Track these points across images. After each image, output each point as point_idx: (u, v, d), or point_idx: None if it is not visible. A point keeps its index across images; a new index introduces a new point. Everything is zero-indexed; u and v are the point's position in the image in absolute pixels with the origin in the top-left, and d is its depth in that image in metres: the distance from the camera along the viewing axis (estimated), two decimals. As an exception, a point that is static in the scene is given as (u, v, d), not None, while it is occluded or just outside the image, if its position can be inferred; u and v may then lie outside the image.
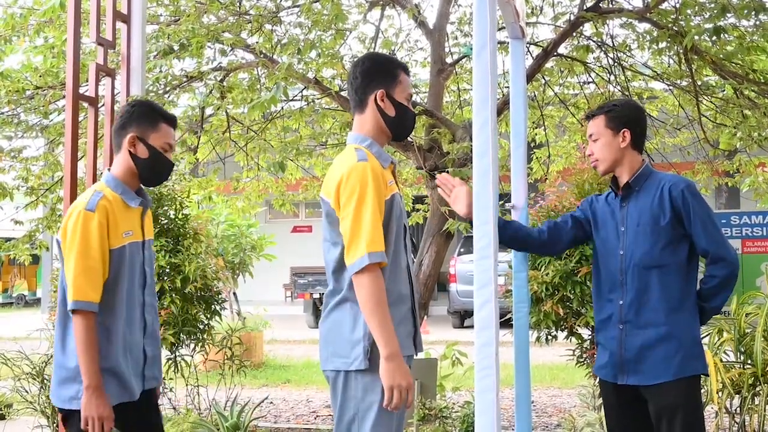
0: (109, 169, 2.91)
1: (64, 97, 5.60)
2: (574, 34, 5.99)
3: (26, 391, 5.21)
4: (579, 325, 4.74)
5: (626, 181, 2.99)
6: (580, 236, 3.17)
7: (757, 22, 5.38)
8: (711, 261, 2.87)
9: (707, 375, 3.01)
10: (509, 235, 3.13)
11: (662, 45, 5.73)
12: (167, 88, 6.11)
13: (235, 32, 5.48)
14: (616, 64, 6.48)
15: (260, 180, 8.02)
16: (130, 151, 2.83)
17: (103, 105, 5.48)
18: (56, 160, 6.85)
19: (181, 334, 5.49)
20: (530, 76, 5.80)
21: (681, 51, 5.58)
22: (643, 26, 5.95)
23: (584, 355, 4.92)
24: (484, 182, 2.37)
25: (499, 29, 5.30)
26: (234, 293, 10.82)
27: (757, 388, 4.43)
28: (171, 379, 5.61)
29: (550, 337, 4.92)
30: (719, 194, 14.77)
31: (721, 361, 4.53)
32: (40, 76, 6.40)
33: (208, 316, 5.70)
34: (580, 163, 5.21)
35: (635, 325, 2.89)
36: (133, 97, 5.23)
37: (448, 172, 5.33)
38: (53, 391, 2.79)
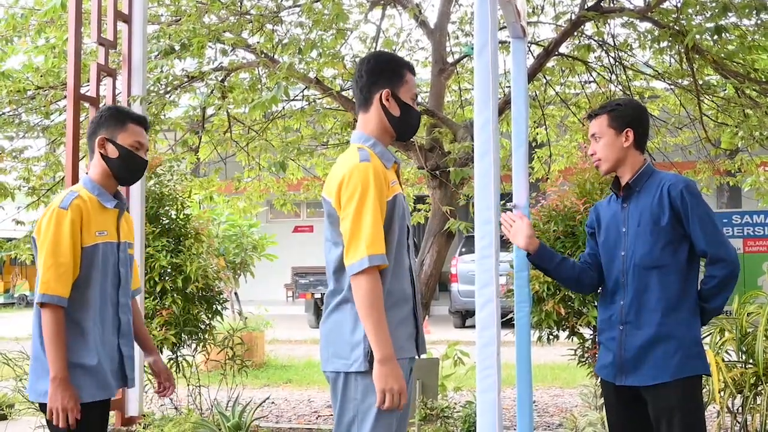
0: (87, 173, 2.99)
1: (65, 97, 5.60)
2: (576, 33, 5.98)
3: (28, 392, 5.20)
4: (580, 325, 4.74)
5: (627, 181, 2.99)
6: None
7: (759, 21, 5.37)
8: (710, 261, 2.86)
9: (709, 375, 3.00)
10: (567, 274, 3.16)
11: (663, 44, 5.73)
12: (168, 88, 6.11)
13: (236, 32, 5.48)
14: (617, 63, 6.48)
15: (261, 180, 8.02)
16: (101, 153, 2.92)
17: (104, 105, 5.48)
18: (57, 161, 6.86)
19: (183, 334, 5.50)
20: (531, 76, 5.80)
21: (682, 50, 5.57)
22: (644, 25, 5.94)
23: (586, 355, 4.92)
24: (485, 182, 2.37)
25: (501, 29, 5.29)
26: (235, 293, 10.82)
27: (759, 388, 4.43)
28: (172, 379, 5.61)
29: (551, 337, 4.93)
30: (721, 194, 14.76)
31: (723, 360, 4.53)
32: (42, 76, 6.40)
33: (210, 316, 5.70)
34: (582, 163, 5.21)
35: (634, 326, 2.89)
36: (134, 97, 5.24)
37: (448, 171, 5.33)
38: (30, 385, 2.85)
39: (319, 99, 6.36)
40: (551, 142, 7.72)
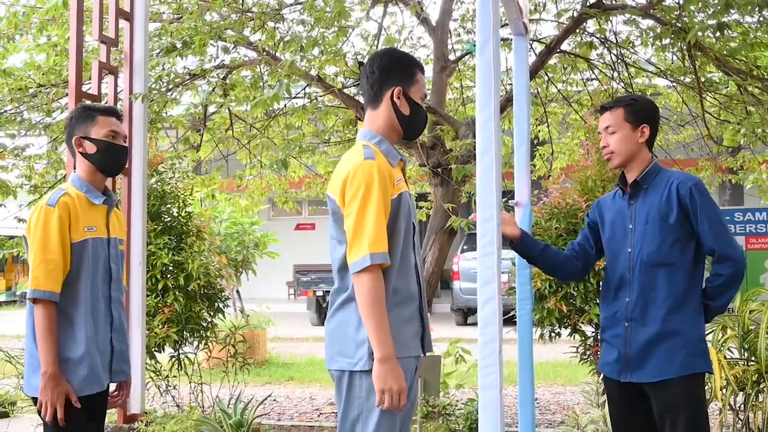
0: (75, 171, 3.03)
1: (67, 95, 5.60)
2: (578, 30, 5.97)
3: (30, 389, 5.21)
4: (582, 322, 4.74)
5: (635, 178, 2.98)
6: (600, 245, 3.17)
7: (761, 18, 5.36)
8: (717, 260, 2.86)
9: (711, 373, 3.01)
10: (551, 261, 3.17)
11: (666, 41, 5.72)
12: (170, 86, 6.11)
13: (238, 30, 5.48)
14: (619, 60, 6.47)
15: (263, 178, 8.02)
16: (80, 152, 2.97)
17: (105, 103, 5.49)
18: (59, 158, 6.86)
19: (185, 332, 5.50)
20: (533, 73, 5.79)
21: (684, 47, 5.56)
22: (646, 23, 5.94)
23: (588, 353, 4.92)
24: (487, 179, 2.36)
25: (502, 26, 5.30)
26: (237, 291, 10.82)
27: (761, 385, 4.42)
28: (175, 376, 5.62)
29: (553, 335, 4.92)
30: (723, 191, 14.74)
31: (725, 358, 4.52)
32: (43, 74, 6.41)
33: (212, 313, 5.71)
34: (584, 160, 5.20)
35: (640, 323, 2.89)
36: (135, 95, 5.24)
37: (450, 169, 5.33)
38: (25, 380, 2.89)
39: (320, 96, 6.35)
40: (553, 140, 7.71)
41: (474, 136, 3.78)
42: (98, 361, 2.89)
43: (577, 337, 4.92)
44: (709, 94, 6.43)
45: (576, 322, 4.74)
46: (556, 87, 7.10)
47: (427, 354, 2.69)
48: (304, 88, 6.46)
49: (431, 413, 5.11)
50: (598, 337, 3.19)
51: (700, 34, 4.91)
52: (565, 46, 6.15)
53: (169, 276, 5.50)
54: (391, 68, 2.65)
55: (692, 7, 5.26)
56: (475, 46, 2.42)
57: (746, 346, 4.59)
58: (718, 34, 4.86)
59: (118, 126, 3.02)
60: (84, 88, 5.19)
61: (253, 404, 5.27)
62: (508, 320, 3.44)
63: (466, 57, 6.96)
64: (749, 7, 4.79)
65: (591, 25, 6.21)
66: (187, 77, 6.05)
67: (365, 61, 2.85)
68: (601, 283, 4.71)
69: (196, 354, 5.72)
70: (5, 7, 6.39)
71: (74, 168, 3.05)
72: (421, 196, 8.03)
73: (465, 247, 14.47)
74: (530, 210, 3.50)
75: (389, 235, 2.49)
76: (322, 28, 5.23)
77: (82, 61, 5.11)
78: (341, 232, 2.55)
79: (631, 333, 2.90)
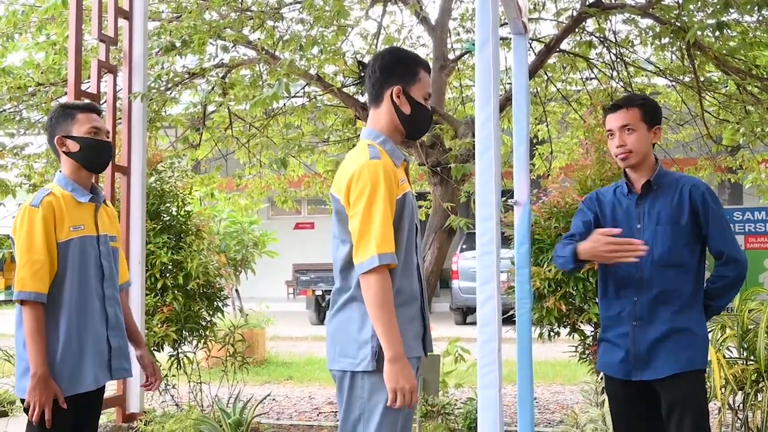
0: (60, 170, 3.03)
1: (66, 93, 5.60)
2: (577, 29, 5.97)
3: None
4: (581, 322, 4.74)
5: (646, 178, 2.98)
6: None
7: (761, 18, 5.36)
8: (724, 262, 2.92)
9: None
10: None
11: (665, 41, 5.72)
12: (169, 85, 6.11)
13: (237, 29, 5.47)
14: (618, 60, 6.47)
15: (262, 177, 8.01)
16: (64, 152, 2.96)
17: (105, 102, 5.48)
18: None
19: (184, 331, 5.51)
20: (533, 72, 5.79)
21: (684, 47, 5.56)
22: (645, 22, 5.94)
23: (587, 352, 4.92)
24: (486, 178, 2.36)
25: (502, 25, 5.30)
26: (236, 290, 10.82)
27: (760, 384, 4.43)
28: (174, 375, 5.62)
29: (552, 334, 4.92)
30: (722, 190, 14.74)
31: (724, 357, 4.53)
32: (42, 73, 6.40)
33: (211, 312, 5.71)
34: (583, 159, 5.20)
35: (649, 322, 2.90)
36: (135, 94, 5.23)
37: (449, 168, 5.32)
38: (16, 382, 2.89)
39: (320, 96, 6.35)
40: (552, 139, 7.71)
41: (473, 135, 3.78)
42: (87, 361, 2.88)
43: (576, 336, 4.92)
44: (709, 94, 6.43)
45: (575, 321, 4.75)
46: (556, 86, 7.10)
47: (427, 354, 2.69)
48: (304, 87, 6.45)
49: (430, 412, 5.11)
50: (598, 336, 3.17)
51: (699, 33, 4.91)
52: (564, 46, 6.15)
53: (168, 275, 5.50)
54: (391, 67, 2.64)
55: (691, 7, 5.25)
56: (474, 45, 2.42)
57: (745, 346, 4.59)
58: (717, 33, 4.86)
59: (98, 122, 3.01)
60: (83, 87, 5.19)
61: (252, 403, 5.27)
62: (507, 319, 3.44)
63: (466, 56, 6.95)
64: (748, 7, 4.79)
65: (590, 24, 6.20)
66: (186, 76, 6.05)
67: (368, 60, 2.85)
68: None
69: (195, 353, 5.72)
70: (4, 6, 6.38)
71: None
72: (420, 196, 8.01)
73: (464, 247, 14.47)
74: (529, 209, 3.50)
75: (393, 235, 2.49)
76: (322, 27, 5.23)
77: (81, 60, 5.11)
78: (344, 232, 2.54)
79: (640, 332, 2.91)
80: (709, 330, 4.61)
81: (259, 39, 5.57)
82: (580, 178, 4.99)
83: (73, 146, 2.95)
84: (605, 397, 4.39)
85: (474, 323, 2.59)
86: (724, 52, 5.62)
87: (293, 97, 6.35)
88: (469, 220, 4.75)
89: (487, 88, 2.38)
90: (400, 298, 2.52)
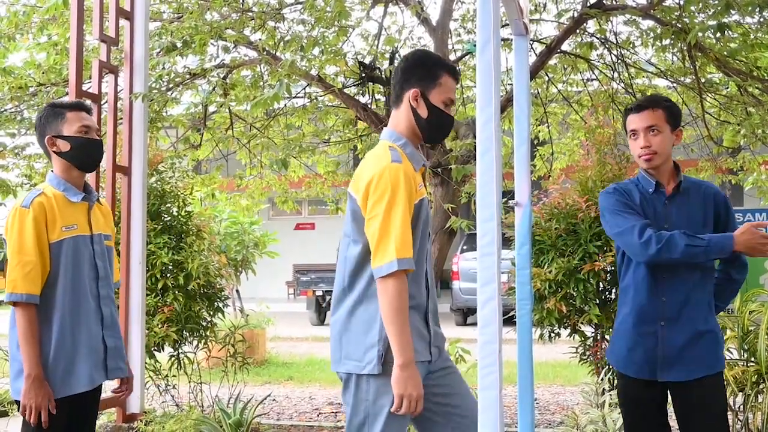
0: (52, 170, 3.01)
1: (67, 94, 5.60)
2: (578, 31, 5.97)
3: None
4: (582, 323, 4.74)
5: (666, 179, 3.00)
6: None
7: (762, 19, 5.36)
8: (738, 265, 3.00)
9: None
10: None
11: (666, 42, 5.72)
12: (170, 85, 6.11)
13: (238, 29, 5.48)
14: (619, 61, 6.47)
15: (263, 177, 8.02)
16: (54, 152, 2.95)
17: (106, 102, 5.49)
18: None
19: (184, 331, 5.51)
20: (534, 73, 5.79)
21: (685, 48, 5.56)
22: (646, 23, 5.94)
23: (587, 353, 4.92)
24: (487, 179, 2.36)
25: (503, 26, 5.30)
26: (237, 290, 10.83)
27: (761, 386, 4.43)
28: (174, 376, 5.62)
29: (553, 335, 4.92)
30: (723, 192, 14.74)
31: (725, 358, 4.53)
32: (43, 73, 6.40)
33: (211, 313, 5.71)
34: (584, 161, 5.20)
35: (677, 323, 2.91)
36: (136, 95, 5.24)
37: (450, 169, 5.32)
38: (10, 383, 2.88)
39: (321, 96, 6.35)
40: (553, 140, 7.71)
41: (474, 136, 3.78)
42: (81, 361, 2.87)
43: (577, 337, 4.92)
44: (709, 95, 6.43)
45: (575, 322, 4.75)
46: (557, 87, 7.10)
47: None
48: (305, 88, 6.46)
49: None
50: (610, 336, 3.15)
51: (700, 34, 4.91)
52: (565, 47, 6.16)
53: (168, 275, 5.50)
54: (412, 69, 2.62)
55: (692, 8, 5.26)
56: (475, 46, 2.42)
57: (746, 347, 4.59)
58: (718, 34, 4.86)
59: (88, 120, 2.99)
60: (84, 87, 5.19)
61: (253, 404, 5.27)
62: (508, 320, 3.44)
63: (467, 57, 6.96)
64: (749, 8, 4.79)
65: (591, 25, 6.20)
66: (188, 77, 6.05)
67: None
68: (600, 283, 4.74)
69: (195, 353, 5.72)
70: (5, 7, 6.39)
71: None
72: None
73: (465, 248, 14.47)
74: (530, 210, 3.50)
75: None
76: (323, 28, 5.23)
77: (83, 60, 5.11)
78: (357, 232, 2.53)
79: (668, 333, 2.91)
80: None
81: (260, 40, 5.57)
82: (581, 179, 4.99)
83: (64, 146, 2.93)
84: (605, 398, 4.39)
85: (474, 324, 2.59)
86: (725, 53, 5.61)
87: (294, 97, 6.36)
88: (470, 221, 4.75)
89: (488, 89, 2.38)
90: (409, 303, 2.50)
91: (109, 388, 3.79)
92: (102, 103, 5.36)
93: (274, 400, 7.28)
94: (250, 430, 5.04)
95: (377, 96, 6.32)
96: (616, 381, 3.14)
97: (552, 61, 6.38)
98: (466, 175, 5.25)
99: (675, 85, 6.70)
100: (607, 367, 4.71)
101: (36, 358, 2.75)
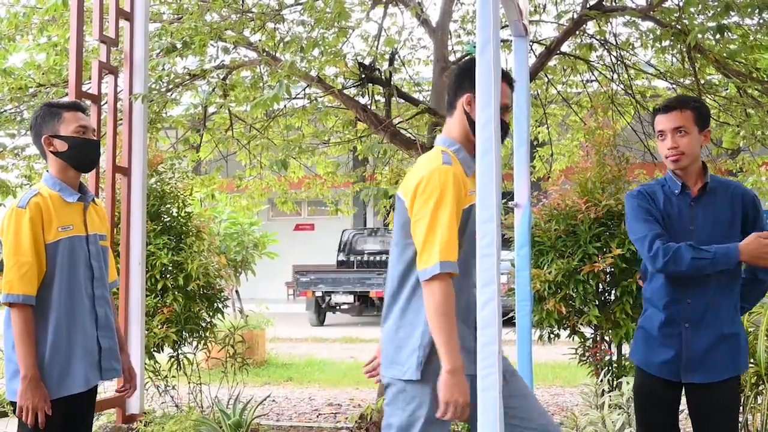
0: (47, 170, 3.00)
1: (67, 94, 5.60)
2: (577, 32, 5.98)
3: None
4: (581, 324, 4.74)
5: (693, 180, 2.99)
6: None
7: (761, 21, 5.36)
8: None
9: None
10: None
11: (665, 43, 5.72)
12: (170, 86, 6.11)
13: (238, 30, 5.48)
14: (619, 62, 6.47)
15: (263, 178, 8.02)
16: (51, 151, 2.93)
17: (105, 102, 5.49)
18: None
19: (184, 332, 5.51)
20: (533, 75, 5.79)
21: (684, 49, 5.56)
22: (646, 24, 5.94)
23: (586, 354, 4.92)
24: (487, 180, 2.36)
25: (503, 27, 5.30)
26: (236, 291, 10.83)
27: (760, 387, 4.42)
28: (174, 376, 5.62)
29: (552, 336, 4.92)
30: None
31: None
32: (43, 74, 6.40)
33: (211, 313, 5.71)
34: (583, 162, 5.20)
35: (702, 325, 2.91)
36: (135, 95, 5.24)
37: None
38: (6, 384, 2.87)
39: (320, 97, 6.35)
40: (553, 141, 7.71)
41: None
42: (76, 362, 2.86)
43: (576, 338, 4.92)
44: (709, 96, 6.43)
45: (575, 323, 4.75)
46: (556, 88, 7.10)
47: None
48: (304, 89, 6.46)
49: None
50: (638, 323, 3.12)
51: (699, 36, 4.91)
52: (564, 48, 6.16)
53: (168, 276, 5.50)
54: (465, 75, 2.61)
55: (692, 9, 5.26)
56: (475, 47, 2.43)
57: (745, 348, 4.59)
58: (717, 36, 4.86)
59: (85, 120, 2.98)
60: (84, 88, 5.19)
61: (252, 404, 5.27)
62: (508, 321, 3.45)
63: (467, 58, 6.95)
64: (749, 10, 4.79)
65: (591, 26, 6.21)
66: (187, 77, 6.05)
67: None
68: (600, 284, 4.74)
69: (195, 354, 5.72)
70: (5, 8, 6.39)
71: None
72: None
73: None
74: (530, 211, 3.51)
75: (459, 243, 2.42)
76: (323, 29, 5.23)
77: (82, 61, 5.11)
78: (405, 236, 2.50)
79: (693, 335, 2.91)
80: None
81: (259, 40, 5.57)
82: (581, 180, 4.99)
83: (61, 145, 2.92)
84: (605, 399, 4.39)
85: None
86: (725, 55, 5.62)
87: (294, 98, 6.36)
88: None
89: (487, 90, 2.39)
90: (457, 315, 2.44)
91: (110, 388, 3.80)
92: (102, 103, 5.37)
93: (273, 400, 7.28)
94: (249, 430, 5.04)
95: (377, 97, 6.32)
96: (634, 376, 3.14)
97: (551, 63, 6.39)
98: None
99: (674, 86, 6.70)
100: (606, 368, 4.72)
101: (32, 359, 2.74)
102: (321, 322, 15.25)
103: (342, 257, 16.66)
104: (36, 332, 2.79)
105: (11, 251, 2.77)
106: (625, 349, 4.74)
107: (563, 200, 4.91)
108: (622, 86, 6.61)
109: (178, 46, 5.30)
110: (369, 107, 6.01)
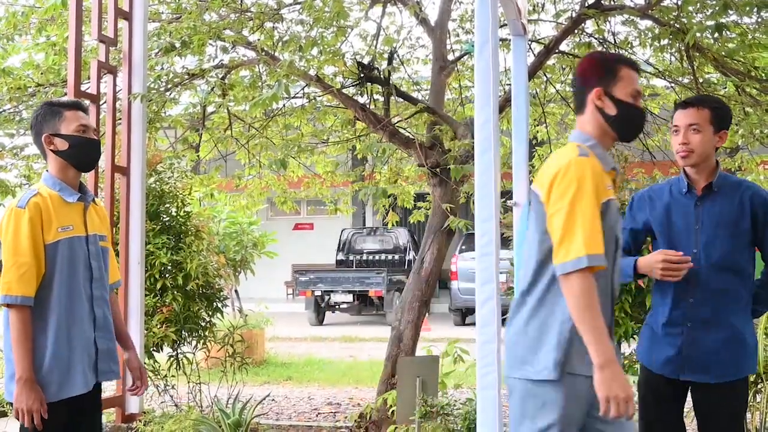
0: (47, 170, 2.98)
1: (65, 94, 5.60)
2: (576, 31, 5.97)
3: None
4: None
5: (704, 179, 2.98)
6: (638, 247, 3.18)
7: (759, 19, 5.36)
8: None
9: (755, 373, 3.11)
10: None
11: (664, 42, 5.72)
12: (169, 86, 6.11)
13: (237, 29, 5.47)
14: (618, 61, 6.46)
15: (262, 177, 8.02)
16: (51, 150, 2.91)
17: (104, 102, 5.49)
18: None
19: (183, 332, 5.51)
20: (532, 74, 5.79)
21: (683, 48, 5.57)
22: (644, 23, 5.94)
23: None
24: (485, 179, 2.37)
25: (501, 26, 5.30)
26: (235, 290, 10.82)
27: (759, 386, 4.43)
28: (173, 376, 5.62)
29: (551, 335, 4.92)
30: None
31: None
32: (42, 74, 6.40)
33: (210, 313, 5.71)
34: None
35: (703, 325, 2.91)
36: (134, 95, 5.24)
37: (449, 169, 5.33)
38: (5, 385, 2.85)
39: (319, 96, 6.35)
40: (552, 140, 7.71)
41: (472, 137, 3.79)
42: (77, 364, 2.84)
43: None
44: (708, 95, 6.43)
45: (574, 322, 4.74)
46: (555, 87, 7.10)
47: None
48: (303, 88, 6.46)
49: (430, 413, 5.11)
50: (645, 320, 3.15)
51: (698, 35, 4.91)
52: (563, 47, 6.15)
53: (167, 275, 5.50)
54: (590, 71, 2.55)
55: (690, 8, 5.26)
56: (473, 46, 2.43)
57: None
58: (716, 35, 4.86)
59: (86, 119, 2.97)
60: (83, 88, 5.19)
61: (252, 404, 5.28)
62: (507, 320, 3.45)
63: (465, 57, 6.95)
64: (748, 8, 4.79)
65: (589, 25, 6.21)
66: (186, 77, 6.05)
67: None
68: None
69: (194, 354, 5.72)
70: (4, 7, 6.38)
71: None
72: (420, 197, 8.04)
73: (463, 248, 14.48)
74: (528, 210, 3.50)
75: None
76: (321, 28, 5.23)
77: (81, 61, 5.11)
78: (540, 231, 2.40)
79: (694, 334, 2.91)
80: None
81: (258, 40, 5.57)
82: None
83: (62, 144, 2.90)
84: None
85: (473, 324, 2.59)
86: (723, 53, 5.62)
87: (293, 98, 6.35)
88: (469, 221, 4.75)
89: (486, 89, 2.39)
90: None
91: (110, 388, 3.80)
92: (101, 103, 5.36)
93: (273, 400, 7.28)
94: (248, 430, 5.05)
95: (376, 96, 6.32)
96: (638, 373, 3.15)
97: (550, 62, 6.38)
98: (465, 175, 5.25)
99: (673, 85, 6.70)
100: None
101: (28, 361, 2.71)
102: (320, 321, 15.26)
103: (341, 256, 16.67)
104: (35, 334, 2.76)
105: (10, 251, 2.74)
106: (625, 347, 4.73)
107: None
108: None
109: (177, 45, 5.30)
110: (368, 106, 6.01)
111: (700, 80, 6.02)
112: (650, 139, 6.82)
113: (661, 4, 5.41)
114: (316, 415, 6.74)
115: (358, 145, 6.86)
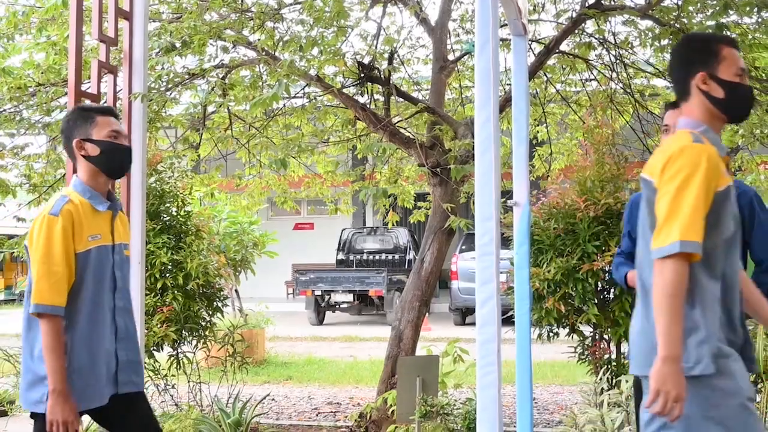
0: (76, 175, 2.93)
1: (66, 94, 5.60)
2: (576, 31, 5.98)
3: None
4: (580, 323, 4.75)
5: None
6: None
7: (759, 20, 5.37)
8: (765, 269, 2.99)
9: None
10: None
11: (664, 42, 5.73)
12: (169, 86, 6.11)
13: (237, 29, 5.48)
14: (618, 61, 6.48)
15: (262, 177, 8.02)
16: (83, 155, 2.86)
17: (105, 102, 5.49)
18: (58, 158, 6.86)
19: (183, 331, 5.51)
20: (532, 74, 5.79)
21: (683, 48, 5.56)
22: (645, 23, 5.95)
23: (586, 353, 4.93)
24: (486, 179, 2.37)
25: (501, 26, 5.30)
26: (236, 290, 10.82)
27: (758, 386, 4.43)
28: (173, 375, 5.62)
29: (551, 334, 4.93)
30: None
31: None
32: (42, 73, 6.40)
33: (210, 312, 5.72)
34: (582, 161, 5.21)
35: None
36: (135, 95, 5.24)
37: (449, 169, 5.33)
38: (22, 393, 2.80)
39: (320, 96, 6.36)
40: (552, 140, 7.71)
41: (473, 136, 3.79)
42: (96, 376, 2.79)
43: (575, 337, 4.92)
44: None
45: (574, 322, 4.76)
46: (555, 87, 7.10)
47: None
48: (304, 88, 6.46)
49: (430, 413, 5.12)
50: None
51: (698, 35, 4.92)
52: (563, 47, 6.16)
53: (167, 275, 5.50)
54: (687, 57, 2.46)
55: (691, 8, 5.27)
56: (474, 46, 2.43)
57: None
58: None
59: (118, 126, 2.93)
60: (83, 88, 5.18)
61: (252, 403, 5.28)
62: (507, 320, 3.45)
63: (465, 57, 6.96)
64: (748, 8, 4.80)
65: (590, 25, 6.21)
66: (187, 77, 6.05)
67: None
68: (599, 283, 4.75)
69: (194, 353, 5.73)
70: (5, 7, 6.39)
71: (74, 171, 2.94)
72: (420, 197, 8.05)
73: (463, 247, 14.48)
74: (529, 210, 3.51)
75: (709, 229, 2.22)
76: (322, 28, 5.23)
77: (82, 60, 5.11)
78: (655, 219, 2.29)
79: None
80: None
81: (259, 40, 5.57)
82: (580, 179, 5.00)
83: (93, 150, 2.84)
84: (604, 397, 4.40)
85: (473, 324, 2.60)
86: (724, 53, 5.62)
87: (293, 97, 6.36)
88: (469, 221, 4.75)
89: (486, 89, 2.39)
90: (703, 303, 2.26)
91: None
92: (101, 102, 5.37)
93: (273, 399, 7.29)
94: (249, 429, 5.05)
95: (376, 96, 6.32)
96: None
97: (550, 62, 6.39)
98: (465, 175, 5.26)
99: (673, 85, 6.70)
100: (605, 366, 4.72)
101: (62, 372, 2.65)
102: (320, 321, 15.26)
103: (341, 256, 16.67)
104: (66, 344, 2.71)
105: (42, 259, 2.68)
106: (624, 347, 4.74)
107: (562, 199, 4.92)
108: (620, 85, 6.62)
109: (178, 45, 5.30)
110: (368, 106, 6.01)
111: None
112: (650, 138, 6.82)
113: (662, 4, 5.42)
114: (316, 415, 6.74)
115: (358, 145, 6.86)
